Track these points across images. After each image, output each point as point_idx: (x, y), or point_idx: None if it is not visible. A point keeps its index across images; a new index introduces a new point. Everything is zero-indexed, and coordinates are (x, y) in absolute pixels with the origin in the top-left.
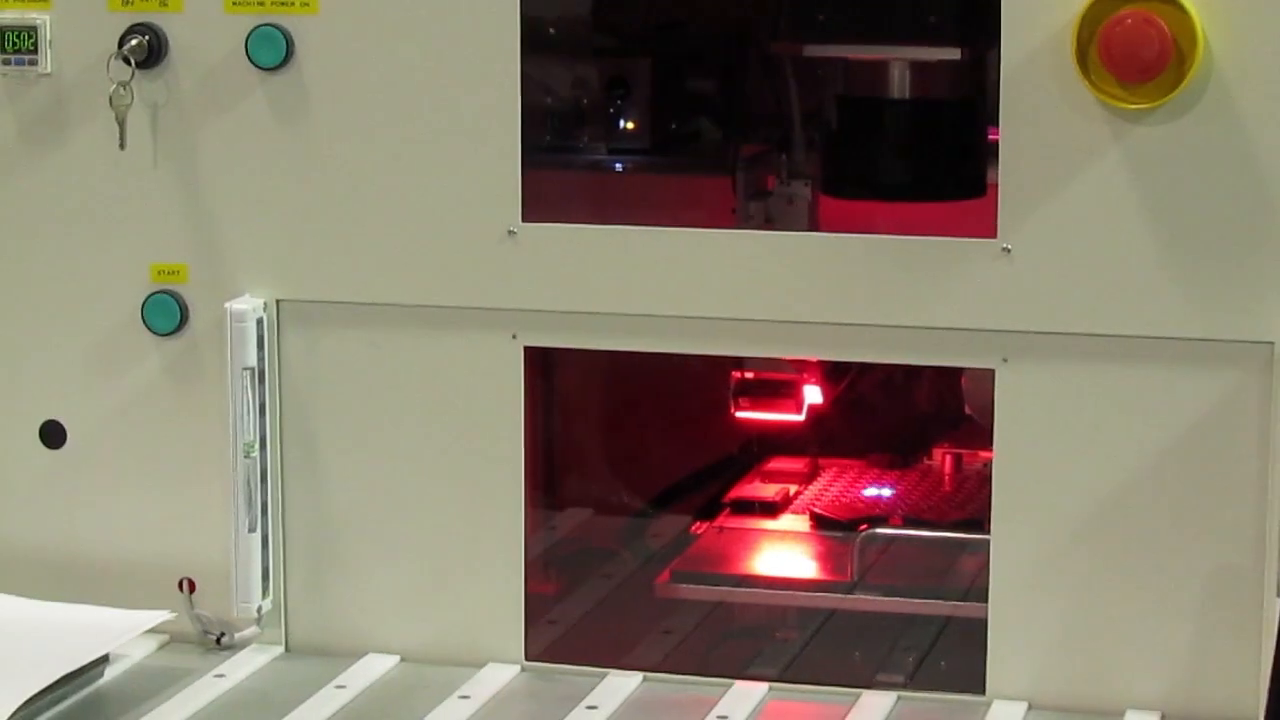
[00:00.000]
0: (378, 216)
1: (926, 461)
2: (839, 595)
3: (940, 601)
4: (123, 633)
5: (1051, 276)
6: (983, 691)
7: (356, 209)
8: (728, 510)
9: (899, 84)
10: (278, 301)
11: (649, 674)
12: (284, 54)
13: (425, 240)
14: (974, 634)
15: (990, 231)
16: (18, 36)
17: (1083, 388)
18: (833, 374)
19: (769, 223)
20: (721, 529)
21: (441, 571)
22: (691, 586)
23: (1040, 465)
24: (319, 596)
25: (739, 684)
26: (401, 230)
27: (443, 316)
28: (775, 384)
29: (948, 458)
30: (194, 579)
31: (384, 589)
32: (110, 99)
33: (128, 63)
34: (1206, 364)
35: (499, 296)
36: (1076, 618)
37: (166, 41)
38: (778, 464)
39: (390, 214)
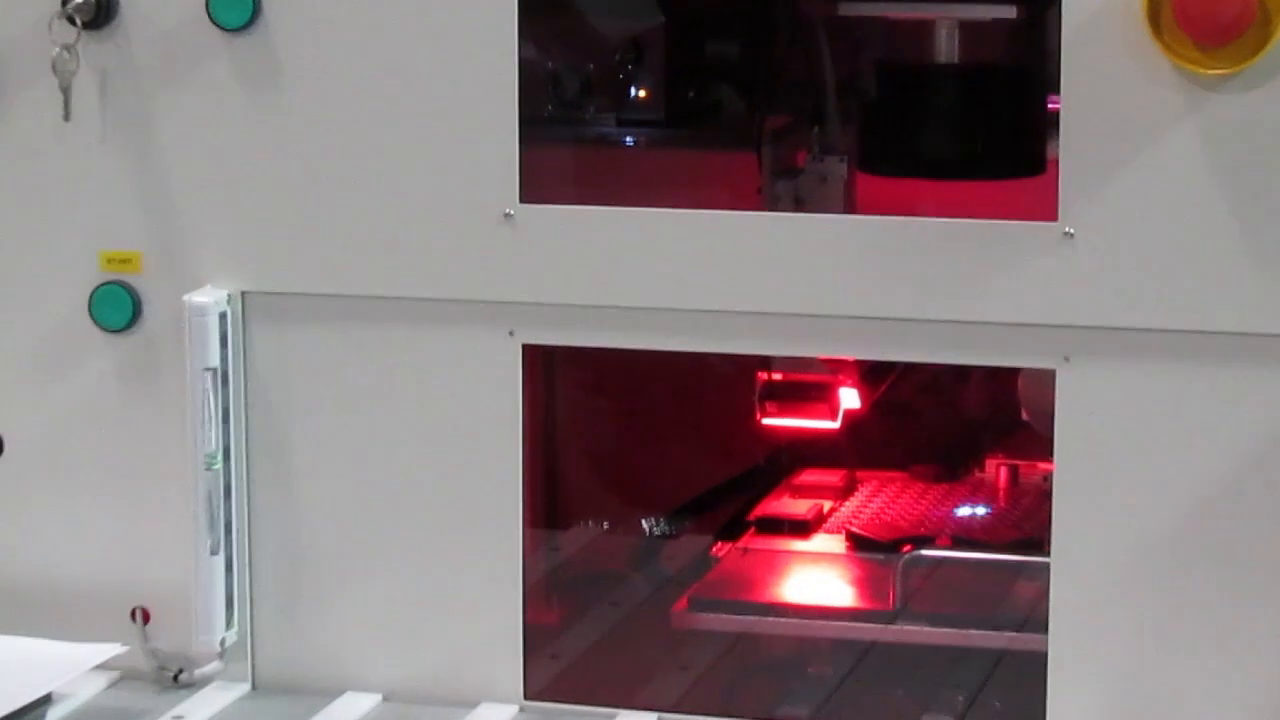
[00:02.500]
0: (357, 198)
1: (978, 474)
2: (879, 625)
3: (994, 632)
4: (68, 669)
5: (1120, 264)
6: None
7: (333, 190)
8: (753, 529)
9: (947, 47)
10: (243, 293)
11: (664, 714)
12: (250, 13)
13: (410, 225)
14: (1032, 669)
15: (1050, 214)
16: None
17: (1155, 390)
18: (871, 375)
19: (799, 204)
20: (746, 550)
21: (430, 598)
22: (712, 615)
23: (1107, 477)
24: (291, 626)
25: None
26: (384, 214)
27: (430, 310)
28: (806, 387)
29: (1002, 470)
30: (148, 608)
31: (364, 618)
32: (53, 64)
33: (72, 23)
34: None
35: (494, 288)
36: (1148, 650)
37: None
38: (809, 477)
39: (371, 195)
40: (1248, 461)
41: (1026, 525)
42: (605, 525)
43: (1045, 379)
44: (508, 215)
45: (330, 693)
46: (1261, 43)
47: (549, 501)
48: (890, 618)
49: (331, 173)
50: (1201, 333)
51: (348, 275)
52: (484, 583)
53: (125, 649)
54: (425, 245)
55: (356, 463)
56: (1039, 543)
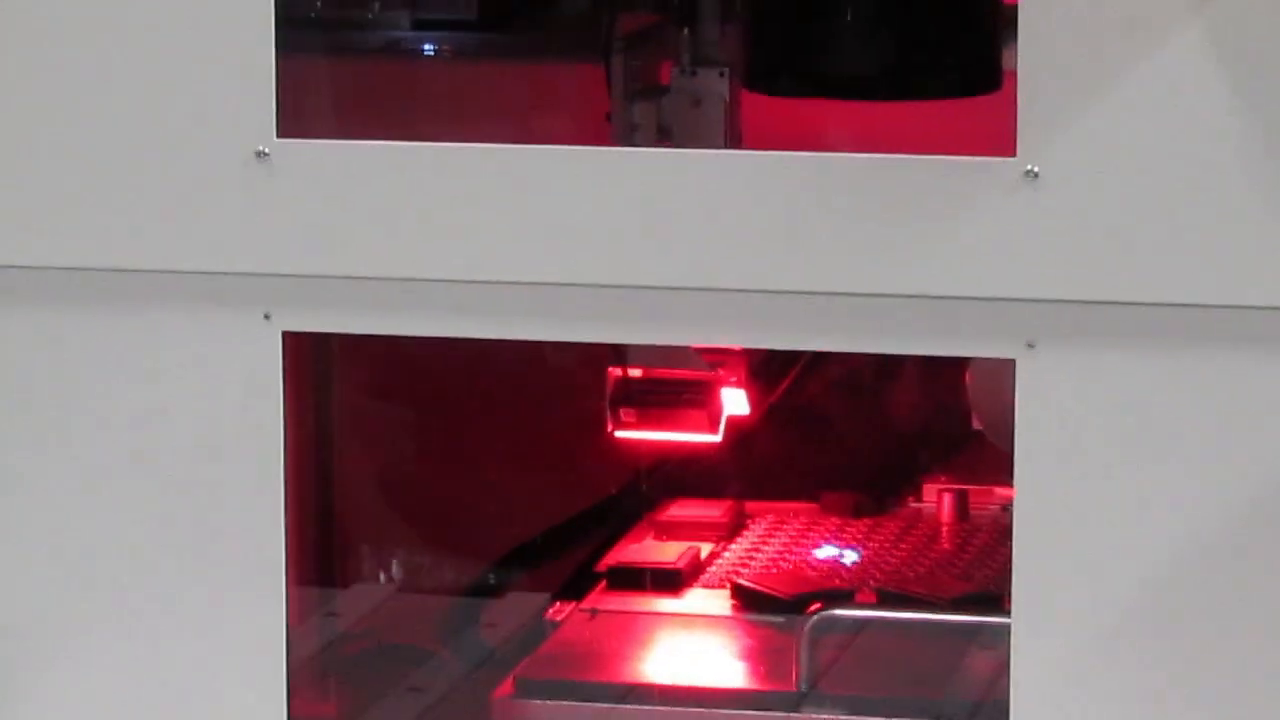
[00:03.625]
0: (54, 137)
1: (913, 504)
2: (779, 713)
3: None
4: None
5: (1100, 215)
6: None
7: (22, 126)
8: (604, 584)
9: None
10: None
11: None
12: None
13: (128, 172)
14: None
15: (1007, 147)
16: None
17: (1148, 385)
18: (765, 371)
19: (664, 135)
20: (594, 613)
21: (159, 681)
22: (547, 703)
23: (1086, 505)
24: None
25: None
26: (91, 157)
27: (158, 287)
28: (676, 387)
29: (946, 498)
30: None
31: (70, 709)
32: None
33: None
34: None
35: (243, 255)
36: None
37: None
38: (681, 511)
39: (74, 132)
40: (1272, 479)
41: (979, 574)
42: (400, 581)
43: (1002, 372)
44: (261, 155)
45: None
46: None
47: (323, 549)
48: (793, 702)
49: (23, 103)
50: (1211, 308)
51: (46, 242)
52: (233, 660)
53: None
54: (148, 199)
55: (58, 495)
56: (996, 597)
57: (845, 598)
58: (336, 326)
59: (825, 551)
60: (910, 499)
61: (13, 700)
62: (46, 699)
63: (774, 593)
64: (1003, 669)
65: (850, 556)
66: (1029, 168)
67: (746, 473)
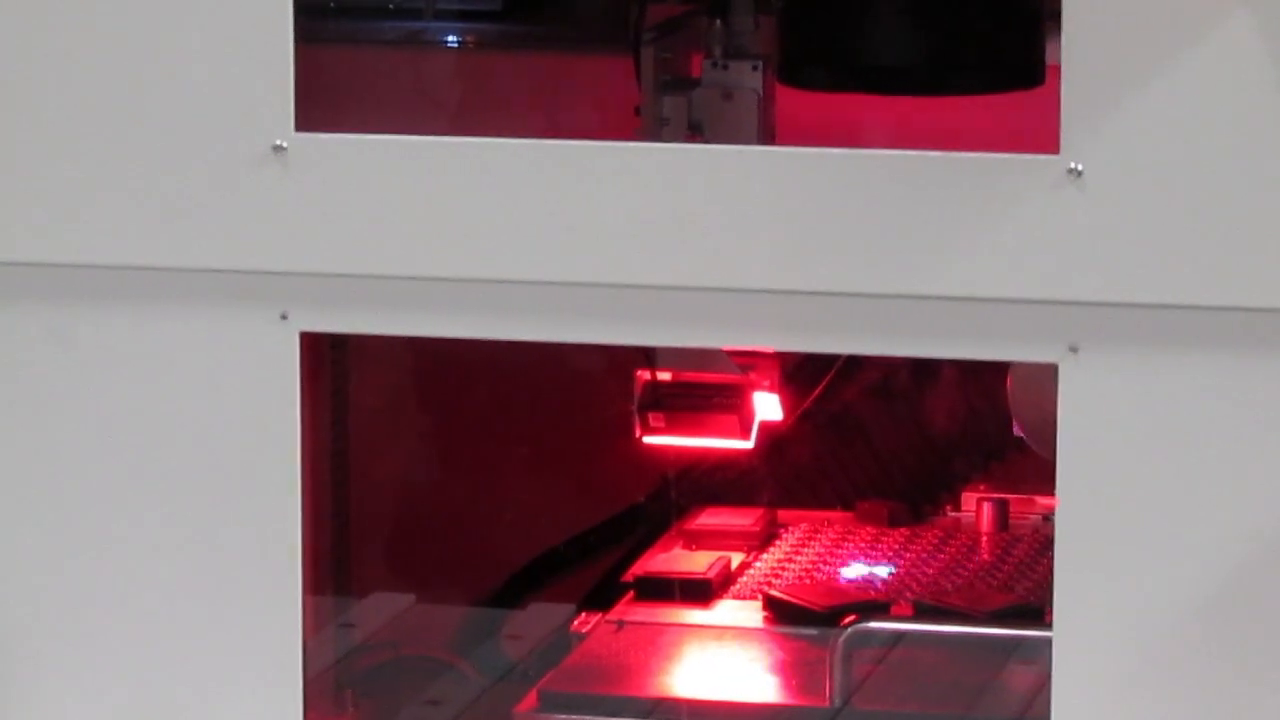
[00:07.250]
0: (70, 130)
1: (951, 513)
2: None
3: None
4: None
5: (1146, 215)
6: None
7: (37, 120)
8: (631, 594)
9: None
10: None
11: None
12: None
13: (139, 165)
14: None
15: (1049, 143)
16: None
17: (1198, 392)
18: (799, 375)
19: (695, 130)
20: (621, 624)
21: (166, 697)
22: (571, 718)
23: (1132, 516)
24: None
25: None
26: (99, 150)
27: (170, 284)
28: (707, 391)
29: (985, 507)
30: None
31: None
32: None
33: None
34: None
35: (259, 252)
36: None
37: None
38: (711, 519)
39: (82, 124)
40: None
41: (1020, 586)
42: (420, 590)
43: (1044, 377)
44: (278, 148)
45: None
46: None
47: (339, 558)
48: (827, 718)
49: (31, 98)
50: (1260, 311)
51: (57, 239)
52: (246, 673)
53: None
54: (162, 194)
55: (67, 497)
56: (1037, 610)
57: (881, 610)
58: (355, 327)
59: (854, 570)
60: (948, 508)
61: (16, 709)
62: (52, 709)
63: (807, 605)
64: (1044, 684)
65: (882, 572)
66: (1072, 165)
67: (779, 480)
